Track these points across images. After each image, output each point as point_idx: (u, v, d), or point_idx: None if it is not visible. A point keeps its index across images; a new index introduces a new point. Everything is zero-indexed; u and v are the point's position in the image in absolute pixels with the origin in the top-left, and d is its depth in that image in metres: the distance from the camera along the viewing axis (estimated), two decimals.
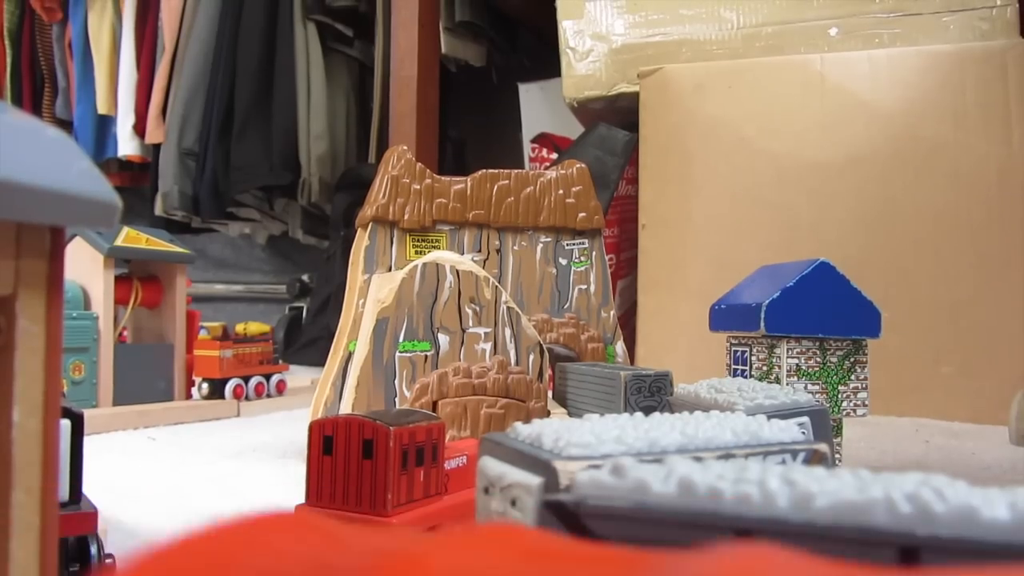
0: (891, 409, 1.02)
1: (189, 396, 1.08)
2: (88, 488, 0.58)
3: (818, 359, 0.55)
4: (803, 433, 0.29)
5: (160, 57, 2.13)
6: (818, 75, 1.15)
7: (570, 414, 0.70)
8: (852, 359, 0.56)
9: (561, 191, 0.80)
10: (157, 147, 2.10)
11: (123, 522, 0.52)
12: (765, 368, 0.56)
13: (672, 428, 0.26)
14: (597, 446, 0.24)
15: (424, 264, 0.66)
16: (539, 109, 1.90)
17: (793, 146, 1.15)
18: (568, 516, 0.17)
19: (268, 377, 1.19)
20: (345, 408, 0.65)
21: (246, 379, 1.14)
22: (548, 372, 0.70)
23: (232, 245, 2.61)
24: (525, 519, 0.24)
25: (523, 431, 0.27)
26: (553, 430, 0.26)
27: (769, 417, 0.29)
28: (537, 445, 0.25)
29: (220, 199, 2.04)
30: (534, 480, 0.24)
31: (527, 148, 1.79)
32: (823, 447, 0.28)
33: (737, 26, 1.29)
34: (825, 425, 0.42)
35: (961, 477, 0.18)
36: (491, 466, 0.26)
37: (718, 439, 0.26)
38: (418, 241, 0.75)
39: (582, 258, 0.82)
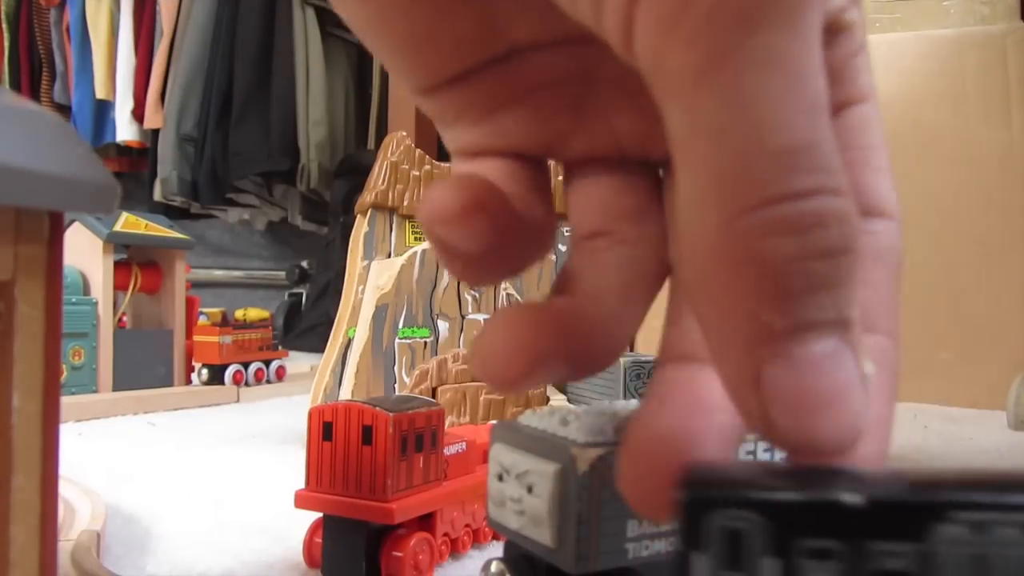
0: None
1: (189, 382, 1.08)
2: (87, 474, 0.59)
3: None
4: None
5: (158, 42, 2.13)
6: None
7: (570, 400, 0.70)
8: None
9: (560, 177, 0.80)
10: (156, 132, 2.10)
11: (123, 508, 0.52)
12: None
13: None
14: (611, 433, 0.25)
15: (423, 250, 0.66)
16: None
17: None
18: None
19: (268, 363, 1.19)
20: (344, 394, 0.65)
21: (246, 365, 1.14)
22: None
23: (231, 231, 2.61)
24: (542, 505, 0.24)
25: (535, 418, 0.27)
26: (566, 416, 0.26)
27: None
28: (551, 432, 0.25)
29: (219, 185, 2.04)
30: (551, 466, 0.24)
31: None
32: None
33: None
34: None
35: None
36: (504, 453, 0.26)
37: None
38: (417, 227, 0.75)
39: None
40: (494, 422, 0.29)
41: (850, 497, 0.13)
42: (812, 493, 0.14)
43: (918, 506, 0.13)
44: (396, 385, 0.65)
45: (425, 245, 0.67)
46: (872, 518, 0.13)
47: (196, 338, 1.09)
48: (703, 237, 0.14)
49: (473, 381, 0.66)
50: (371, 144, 2.07)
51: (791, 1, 0.13)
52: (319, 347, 0.79)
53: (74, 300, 0.93)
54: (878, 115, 0.21)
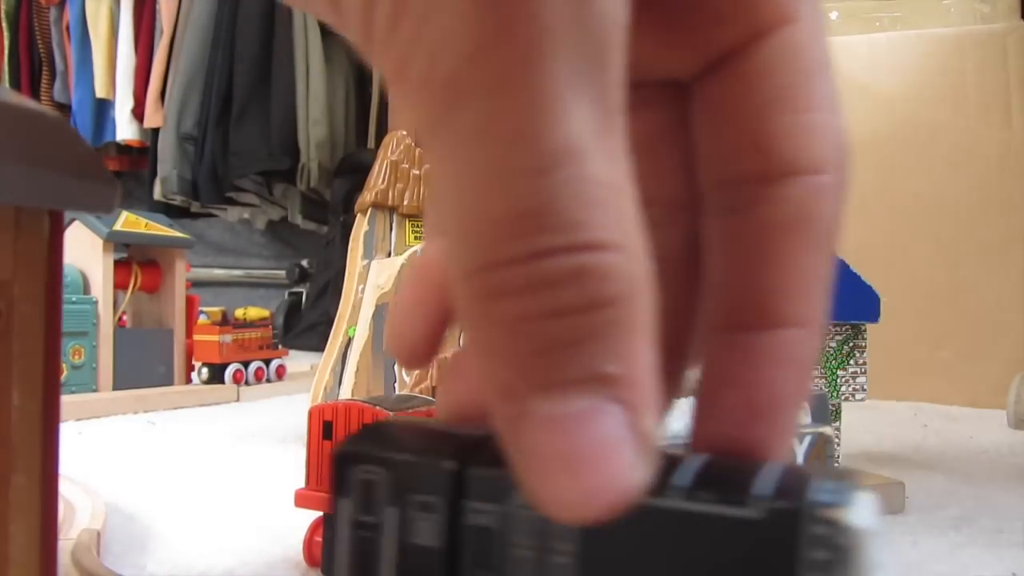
0: (890, 394, 1.03)
1: (189, 381, 1.08)
2: (87, 473, 0.59)
3: None
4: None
5: (158, 41, 2.12)
6: None
7: None
8: (851, 344, 0.56)
9: None
10: (156, 131, 2.10)
11: (123, 507, 0.53)
12: None
13: (681, 413, 0.27)
14: None
15: (423, 250, 0.66)
16: None
17: None
18: None
19: (268, 362, 1.19)
20: (345, 393, 0.65)
21: (246, 364, 1.14)
22: None
23: (231, 230, 2.61)
24: None
25: None
26: None
27: None
28: None
29: (219, 184, 2.03)
30: None
31: None
32: (828, 430, 0.28)
33: None
34: (824, 410, 0.42)
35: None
36: None
37: None
38: (418, 227, 0.75)
39: None
40: None
41: (449, 462, 0.16)
42: (423, 456, 0.16)
43: (502, 474, 0.15)
44: (396, 384, 0.65)
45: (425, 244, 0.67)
46: (467, 481, 0.16)
47: (196, 337, 1.09)
48: (452, 288, 0.14)
49: None
50: (371, 143, 2.07)
51: (510, 65, 0.12)
52: (319, 346, 0.79)
53: (74, 299, 0.93)
54: (813, 40, 0.17)
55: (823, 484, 0.14)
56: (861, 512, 0.13)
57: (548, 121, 0.13)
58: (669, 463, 0.15)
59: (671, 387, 0.18)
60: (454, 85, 0.13)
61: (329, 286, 1.95)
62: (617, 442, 0.13)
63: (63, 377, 0.93)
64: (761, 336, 0.17)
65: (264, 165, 2.00)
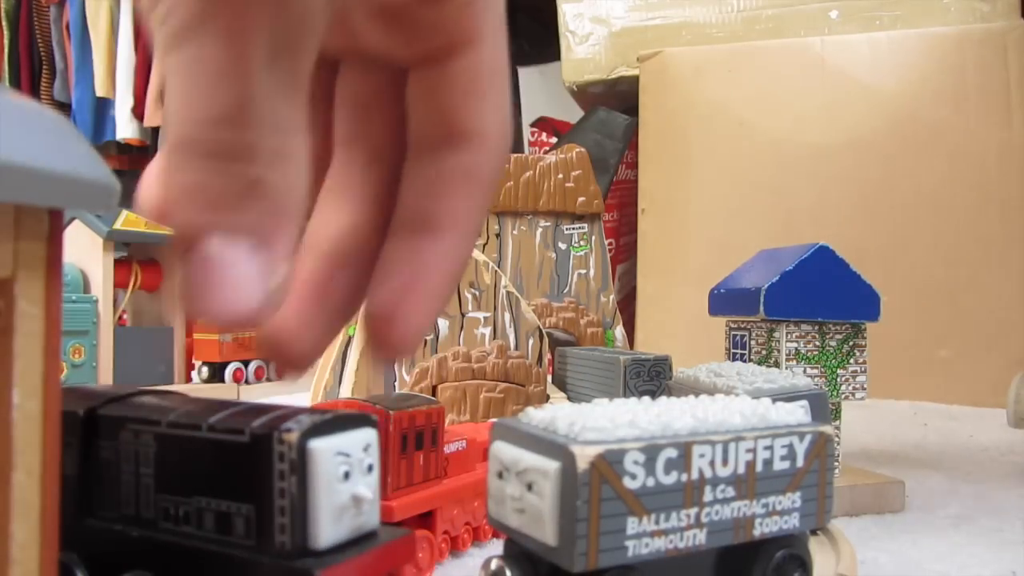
0: (890, 392, 1.03)
1: (189, 380, 1.08)
2: None
3: (817, 343, 0.55)
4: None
5: None
6: (818, 58, 1.15)
7: (570, 398, 0.70)
8: (851, 343, 0.56)
9: (560, 175, 0.80)
10: (156, 130, 2.09)
11: None
12: (764, 352, 0.56)
13: (683, 412, 0.27)
14: (612, 430, 0.25)
15: None
16: (539, 93, 1.90)
17: (793, 129, 1.15)
18: None
19: (268, 361, 1.19)
20: (345, 392, 0.65)
21: (246, 363, 1.14)
22: (547, 357, 0.70)
23: None
24: (542, 503, 0.24)
25: (536, 416, 0.27)
26: (566, 415, 0.26)
27: (773, 401, 0.29)
28: (552, 430, 0.25)
29: None
30: (552, 464, 0.24)
31: (527, 132, 1.78)
32: (828, 429, 0.28)
33: (737, 9, 1.28)
34: (824, 408, 0.42)
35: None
36: (505, 451, 0.26)
37: (728, 422, 0.27)
38: None
39: (581, 243, 0.82)
40: (494, 420, 0.29)
41: (81, 410, 0.22)
42: (72, 407, 0.22)
43: (118, 417, 0.22)
44: (396, 383, 0.65)
45: None
46: (91, 424, 0.22)
47: (196, 336, 1.09)
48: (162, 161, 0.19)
49: (473, 379, 0.66)
50: None
51: (215, 35, 0.18)
52: None
53: (74, 298, 0.93)
54: (489, 57, 0.24)
55: (300, 419, 0.20)
56: (322, 438, 0.20)
57: (241, 74, 0.18)
58: (220, 406, 0.22)
59: (365, 278, 0.24)
60: (178, 36, 0.18)
61: None
62: (250, 278, 0.19)
63: (64, 376, 0.93)
64: (423, 241, 0.23)
65: None
